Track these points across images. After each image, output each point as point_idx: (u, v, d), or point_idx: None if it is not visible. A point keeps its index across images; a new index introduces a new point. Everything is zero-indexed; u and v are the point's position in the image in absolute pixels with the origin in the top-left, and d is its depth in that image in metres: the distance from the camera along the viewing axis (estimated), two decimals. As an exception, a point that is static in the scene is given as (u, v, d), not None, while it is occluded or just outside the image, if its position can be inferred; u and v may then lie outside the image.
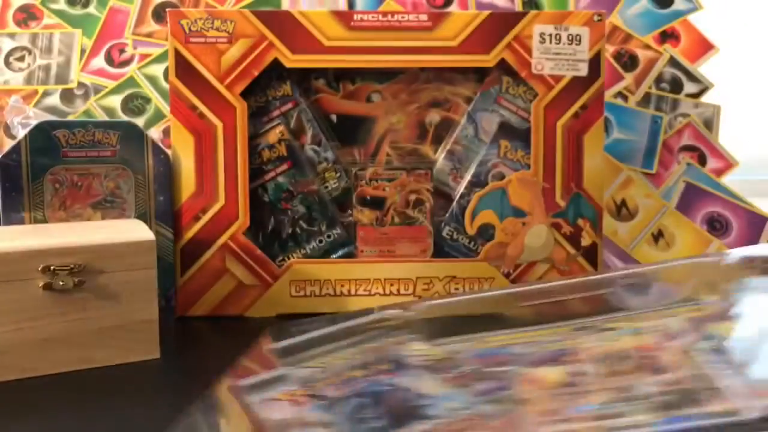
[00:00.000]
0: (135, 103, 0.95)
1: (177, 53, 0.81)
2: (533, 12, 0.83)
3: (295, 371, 0.54)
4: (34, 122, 0.77)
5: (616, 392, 0.43)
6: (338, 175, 0.86)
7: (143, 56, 0.95)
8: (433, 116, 0.87)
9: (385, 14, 0.82)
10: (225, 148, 0.82)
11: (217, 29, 0.81)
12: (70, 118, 0.93)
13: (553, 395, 0.44)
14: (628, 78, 0.96)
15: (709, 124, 0.96)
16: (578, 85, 0.83)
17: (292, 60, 0.82)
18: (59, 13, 0.95)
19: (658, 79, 0.96)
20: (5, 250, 0.62)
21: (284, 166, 0.84)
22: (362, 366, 0.54)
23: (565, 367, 0.46)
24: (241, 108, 0.82)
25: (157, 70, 0.95)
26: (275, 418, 0.46)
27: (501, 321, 0.59)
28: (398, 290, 0.83)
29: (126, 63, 0.95)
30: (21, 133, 0.78)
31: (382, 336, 0.60)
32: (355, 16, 0.82)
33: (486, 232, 0.85)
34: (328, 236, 0.85)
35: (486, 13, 0.83)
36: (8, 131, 0.91)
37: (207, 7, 0.95)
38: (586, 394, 0.43)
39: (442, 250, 0.85)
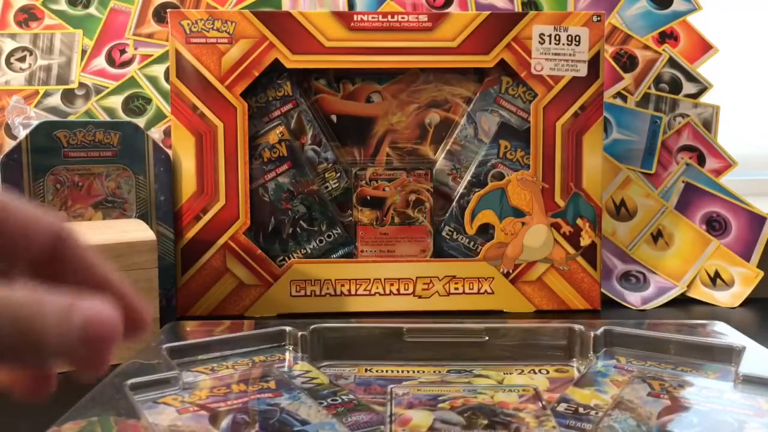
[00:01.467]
0: (136, 104, 0.95)
1: (178, 54, 0.81)
2: (532, 12, 0.83)
3: (184, 374, 0.56)
4: (35, 122, 0.77)
5: None
6: (338, 175, 0.86)
7: (144, 57, 0.95)
8: (433, 116, 0.87)
9: (385, 15, 0.83)
10: (225, 148, 0.82)
11: (218, 30, 0.81)
12: (71, 118, 0.93)
13: None
14: (628, 78, 0.96)
15: (708, 124, 0.96)
16: (578, 85, 0.83)
17: (292, 60, 0.82)
18: (60, 14, 0.95)
19: (658, 80, 0.96)
20: (7, 249, 0.62)
21: (284, 166, 0.84)
22: (248, 380, 0.56)
23: (434, 413, 0.50)
24: (241, 108, 0.82)
25: (158, 70, 0.95)
26: (161, 423, 0.48)
27: (385, 351, 0.64)
28: (398, 290, 0.83)
29: (127, 63, 0.95)
30: (22, 133, 0.78)
31: (273, 350, 0.63)
32: (355, 17, 0.82)
33: (486, 232, 0.85)
34: (328, 236, 0.85)
35: (485, 13, 0.83)
36: (9, 131, 0.91)
37: (208, 7, 0.95)
38: None
39: (441, 250, 0.85)
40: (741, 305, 0.87)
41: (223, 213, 0.82)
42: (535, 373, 0.60)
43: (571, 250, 0.84)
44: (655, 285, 0.90)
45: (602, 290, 0.85)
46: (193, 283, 0.82)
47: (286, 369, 0.60)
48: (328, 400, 0.52)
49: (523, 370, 0.60)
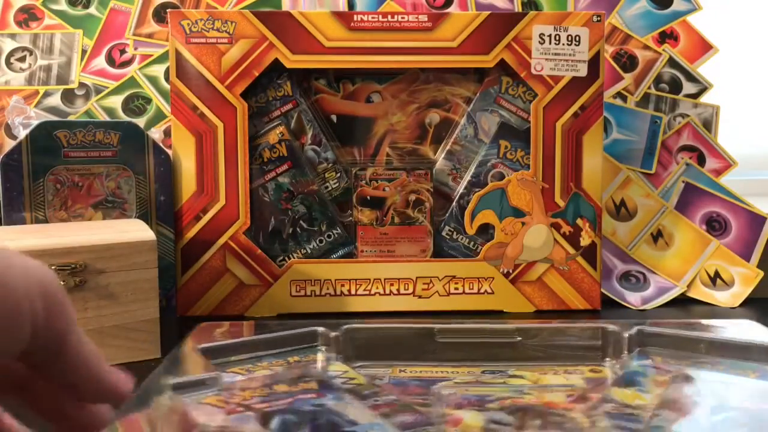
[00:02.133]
0: (136, 104, 0.95)
1: (178, 54, 0.81)
2: (533, 12, 0.83)
3: (221, 375, 0.54)
4: (35, 122, 0.77)
5: None
6: (338, 175, 0.86)
7: (144, 57, 0.95)
8: (433, 116, 0.87)
9: (385, 15, 0.83)
10: (226, 148, 0.82)
11: (218, 30, 0.81)
12: (71, 118, 0.93)
13: None
14: (628, 78, 0.96)
15: (708, 124, 0.96)
16: (578, 85, 0.83)
17: (292, 60, 0.82)
18: (60, 14, 0.95)
19: (658, 80, 0.96)
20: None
21: (285, 166, 0.84)
22: (288, 380, 0.55)
23: (484, 413, 0.48)
24: (241, 108, 0.82)
25: (158, 70, 0.95)
26: (211, 423, 0.46)
27: (417, 352, 0.62)
28: (398, 290, 0.83)
29: (127, 63, 0.95)
30: (22, 133, 0.78)
31: (306, 351, 0.62)
32: (355, 17, 0.82)
33: (486, 232, 0.85)
34: (328, 236, 0.85)
35: (486, 13, 0.83)
36: (9, 131, 0.91)
37: (208, 7, 0.95)
38: None
39: (441, 250, 0.85)
40: (741, 305, 0.87)
41: (223, 213, 0.82)
42: (569, 373, 0.59)
43: (571, 250, 0.84)
44: (655, 285, 0.90)
45: (602, 290, 0.85)
46: (193, 283, 0.82)
47: (320, 370, 0.58)
48: (371, 400, 0.51)
49: (557, 371, 0.59)
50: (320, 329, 0.63)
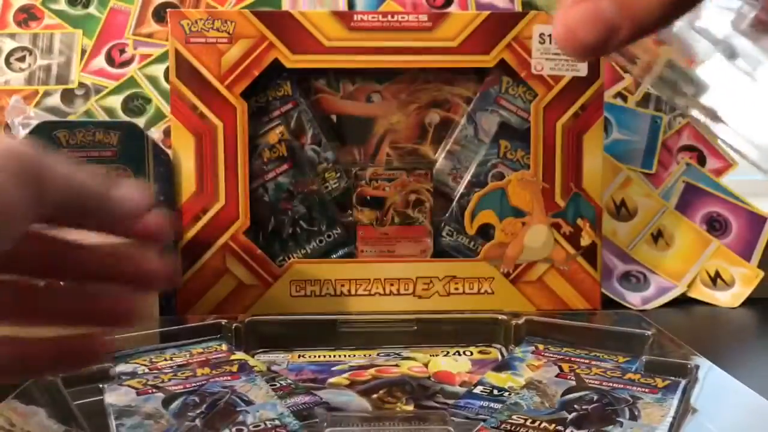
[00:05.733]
0: (135, 104, 0.95)
1: (177, 53, 0.81)
2: (533, 12, 0.83)
3: (123, 366, 0.57)
4: (34, 122, 0.77)
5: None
6: (338, 175, 0.86)
7: (144, 56, 0.95)
8: (433, 116, 0.87)
9: (385, 15, 0.83)
10: (225, 148, 0.82)
11: (218, 30, 0.81)
12: (71, 118, 0.93)
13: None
14: (628, 78, 0.96)
15: (709, 124, 0.96)
16: (578, 85, 0.83)
17: (292, 60, 0.82)
18: (60, 14, 0.95)
19: (658, 80, 0.96)
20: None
21: (284, 166, 0.84)
22: (212, 365, 0.58)
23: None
24: (241, 108, 0.82)
25: (158, 70, 0.95)
26: (117, 403, 0.50)
27: (317, 339, 0.69)
28: (398, 290, 0.83)
29: (126, 63, 0.95)
30: (22, 133, 0.78)
31: (209, 342, 0.66)
32: (355, 17, 0.82)
33: (486, 232, 0.85)
34: (328, 236, 0.85)
35: (486, 13, 0.83)
36: (9, 131, 0.91)
37: (207, 7, 0.95)
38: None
39: (442, 250, 0.85)
40: (741, 305, 0.87)
41: (223, 213, 0.82)
42: (459, 354, 0.64)
43: (572, 250, 0.84)
44: (656, 285, 0.90)
45: (602, 290, 0.85)
46: (193, 283, 0.82)
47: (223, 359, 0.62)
48: (276, 383, 0.56)
49: (448, 352, 0.65)
50: (223, 321, 0.68)
